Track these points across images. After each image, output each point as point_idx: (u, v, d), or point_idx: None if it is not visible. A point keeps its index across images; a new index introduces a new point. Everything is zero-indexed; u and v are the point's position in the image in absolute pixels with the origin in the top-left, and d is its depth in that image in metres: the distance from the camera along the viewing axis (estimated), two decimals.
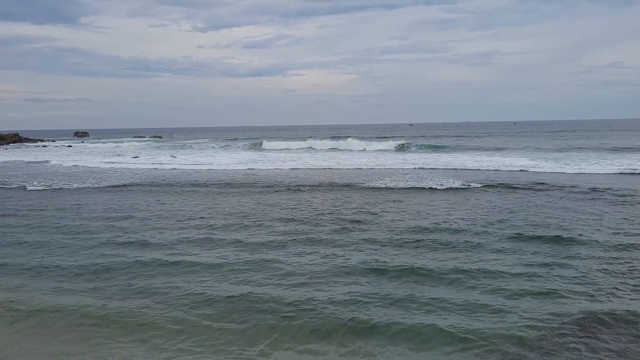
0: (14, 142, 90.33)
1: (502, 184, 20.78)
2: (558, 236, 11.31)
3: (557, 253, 10.14)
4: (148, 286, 8.76)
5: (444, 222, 13.35)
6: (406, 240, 11.40)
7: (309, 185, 21.91)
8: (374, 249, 10.78)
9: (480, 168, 28.46)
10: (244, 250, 10.96)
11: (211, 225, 13.67)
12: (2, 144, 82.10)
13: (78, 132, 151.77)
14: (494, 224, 12.87)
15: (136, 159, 43.32)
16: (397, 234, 12.06)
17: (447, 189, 19.90)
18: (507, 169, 27.55)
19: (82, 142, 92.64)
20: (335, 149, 51.56)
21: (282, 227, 13.19)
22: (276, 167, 32.10)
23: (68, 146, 51.52)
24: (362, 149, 50.27)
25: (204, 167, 33.27)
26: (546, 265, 9.37)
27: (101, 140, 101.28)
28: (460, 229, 12.45)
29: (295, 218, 14.41)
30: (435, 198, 17.79)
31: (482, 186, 20.23)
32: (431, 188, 20.16)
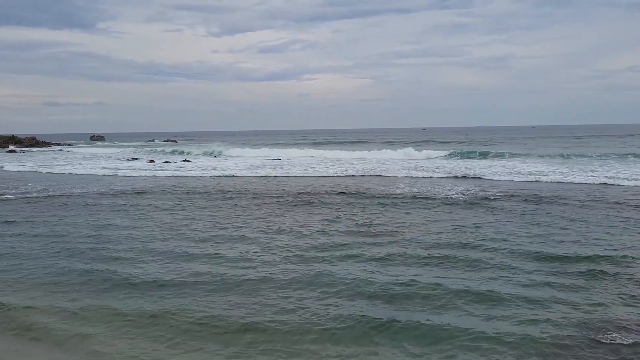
0: (31, 145, 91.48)
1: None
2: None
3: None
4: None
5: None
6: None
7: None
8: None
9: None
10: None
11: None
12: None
13: (94, 135, 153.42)
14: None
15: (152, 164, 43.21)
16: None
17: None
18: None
19: (114, 145, 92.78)
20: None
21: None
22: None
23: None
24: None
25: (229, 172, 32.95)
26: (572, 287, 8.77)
27: (117, 144, 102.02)
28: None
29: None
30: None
31: None
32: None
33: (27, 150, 77.88)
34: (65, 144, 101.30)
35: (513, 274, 9.58)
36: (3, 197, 22.31)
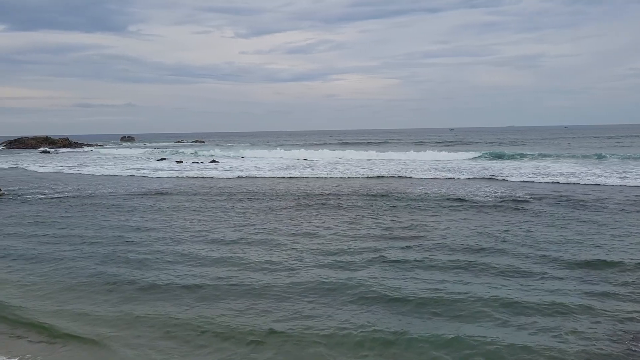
0: (64, 146, 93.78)
1: None
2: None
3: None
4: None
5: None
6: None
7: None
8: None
9: None
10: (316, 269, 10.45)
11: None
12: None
13: (124, 136, 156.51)
14: None
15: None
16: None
17: None
18: None
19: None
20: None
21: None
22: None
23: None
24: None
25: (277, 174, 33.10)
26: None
27: (147, 144, 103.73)
28: None
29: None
30: None
31: None
32: None
33: (60, 151, 79.80)
34: (96, 145, 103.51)
35: (543, 280, 9.29)
36: (32, 197, 22.84)
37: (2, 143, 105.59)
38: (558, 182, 24.60)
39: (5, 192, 24.47)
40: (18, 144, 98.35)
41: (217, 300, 8.76)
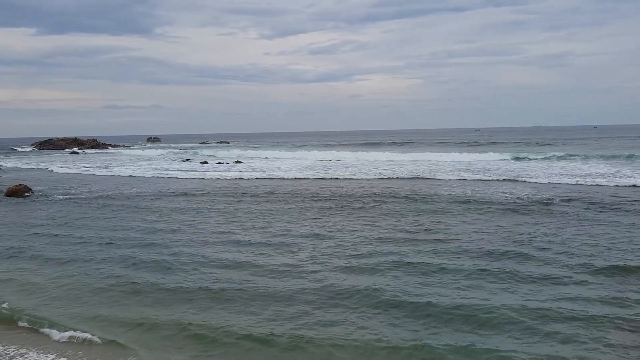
0: (92, 147, 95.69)
1: None
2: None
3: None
4: None
5: None
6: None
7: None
8: None
9: None
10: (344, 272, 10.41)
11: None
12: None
13: (150, 137, 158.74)
14: None
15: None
16: None
17: None
18: None
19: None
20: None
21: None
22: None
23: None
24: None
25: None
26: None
27: (176, 145, 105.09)
28: None
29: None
30: None
31: None
32: None
33: (88, 152, 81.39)
34: (123, 146, 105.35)
35: (571, 287, 9.03)
36: (60, 197, 23.30)
37: (33, 144, 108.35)
38: (586, 184, 23.98)
39: (35, 192, 25.02)
40: (48, 145, 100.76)
41: (241, 304, 8.72)
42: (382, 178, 29.81)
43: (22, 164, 52.69)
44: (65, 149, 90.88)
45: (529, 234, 13.30)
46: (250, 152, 63.11)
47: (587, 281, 9.31)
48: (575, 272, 9.85)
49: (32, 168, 46.35)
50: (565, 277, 9.59)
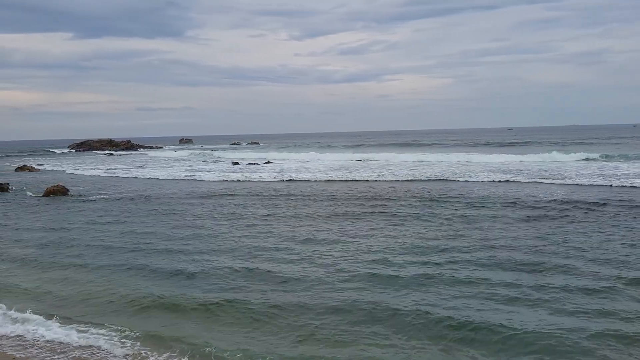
0: (126, 148, 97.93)
1: None
2: None
3: None
4: None
5: None
6: None
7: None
8: None
9: None
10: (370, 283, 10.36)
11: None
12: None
13: (182, 138, 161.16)
14: None
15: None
16: None
17: None
18: None
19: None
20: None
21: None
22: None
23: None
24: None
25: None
26: None
27: (208, 147, 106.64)
28: None
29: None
30: None
31: None
32: None
33: (122, 154, 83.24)
34: (156, 147, 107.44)
35: (611, 302, 8.60)
36: (96, 197, 23.85)
37: (70, 146, 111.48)
38: (623, 186, 23.10)
39: (72, 193, 25.71)
40: (84, 146, 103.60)
41: (267, 318, 8.33)
42: (412, 179, 29.41)
43: (61, 165, 54.26)
44: (100, 150, 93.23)
45: (563, 241, 12.67)
46: (280, 154, 63.43)
47: (630, 295, 8.86)
48: (617, 283, 9.43)
49: (68, 169, 47.60)
50: (606, 289, 9.14)
